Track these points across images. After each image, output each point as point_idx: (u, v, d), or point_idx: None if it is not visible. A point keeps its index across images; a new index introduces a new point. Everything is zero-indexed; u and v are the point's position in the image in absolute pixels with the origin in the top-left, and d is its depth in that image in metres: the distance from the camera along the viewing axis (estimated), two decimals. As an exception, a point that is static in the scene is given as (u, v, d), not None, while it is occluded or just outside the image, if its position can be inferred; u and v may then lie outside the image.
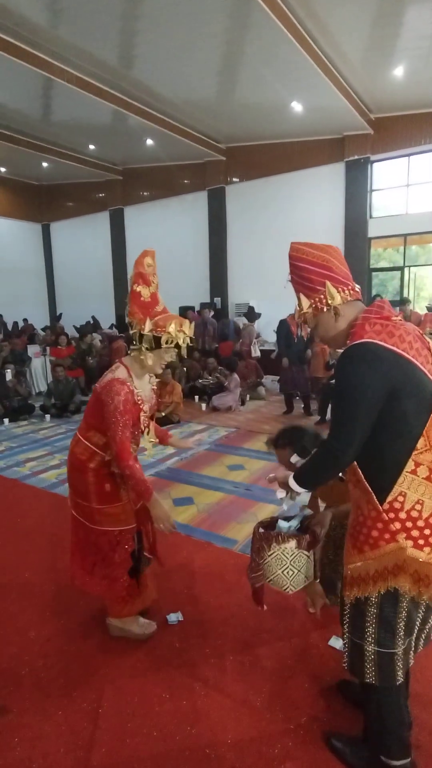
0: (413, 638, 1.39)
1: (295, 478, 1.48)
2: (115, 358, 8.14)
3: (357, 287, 1.45)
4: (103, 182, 14.07)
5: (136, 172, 13.56)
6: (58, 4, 6.34)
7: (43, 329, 11.57)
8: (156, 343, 1.88)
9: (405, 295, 10.52)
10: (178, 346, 1.90)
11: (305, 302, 1.44)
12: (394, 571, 1.31)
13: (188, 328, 1.92)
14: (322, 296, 1.41)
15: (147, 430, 2.02)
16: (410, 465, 1.28)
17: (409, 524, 1.29)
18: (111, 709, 1.77)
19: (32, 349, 9.21)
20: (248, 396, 7.45)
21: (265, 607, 1.93)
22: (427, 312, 7.72)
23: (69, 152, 11.96)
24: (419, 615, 1.38)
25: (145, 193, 13.69)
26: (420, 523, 1.29)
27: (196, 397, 7.37)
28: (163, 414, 5.96)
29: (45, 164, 12.97)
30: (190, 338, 1.95)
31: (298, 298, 1.47)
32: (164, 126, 9.85)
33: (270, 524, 1.92)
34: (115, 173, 13.70)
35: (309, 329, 1.52)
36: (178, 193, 12.95)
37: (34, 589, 2.53)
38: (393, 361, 1.26)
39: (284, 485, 1.55)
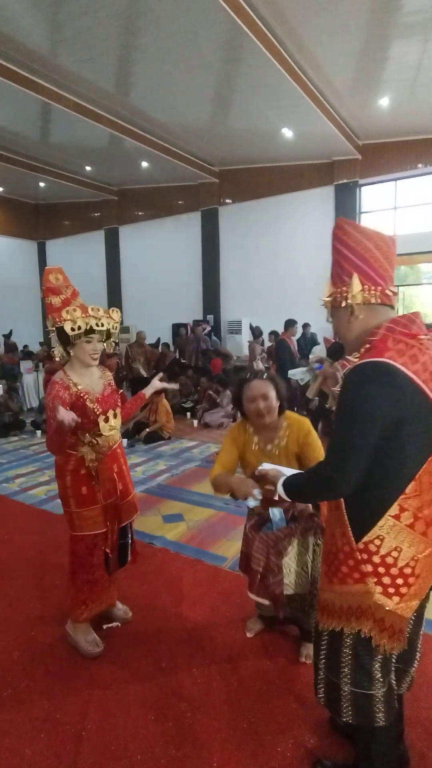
0: (392, 678, 1.31)
1: (284, 484, 1.39)
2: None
3: (392, 290, 1.26)
4: (98, 202, 14.32)
5: (132, 192, 13.84)
6: (58, 34, 6.58)
7: (41, 344, 11.59)
8: (62, 335, 1.93)
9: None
10: (92, 331, 1.92)
11: (327, 290, 1.30)
12: (358, 614, 1.24)
13: (101, 312, 1.93)
14: (345, 288, 1.24)
15: (105, 417, 2.00)
16: (395, 509, 1.18)
17: (381, 570, 1.20)
18: (95, 732, 1.73)
19: (25, 365, 9.21)
20: (239, 412, 7.46)
21: (285, 613, 1.91)
22: None
23: (66, 173, 12.21)
24: (394, 657, 1.32)
25: (139, 213, 13.94)
26: (393, 571, 1.20)
27: (188, 414, 7.39)
28: (148, 429, 5.95)
29: (42, 184, 13.21)
30: (114, 322, 1.99)
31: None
32: (159, 149, 10.11)
33: (258, 524, 1.88)
34: (111, 193, 13.96)
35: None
36: (172, 213, 13.20)
37: (20, 607, 2.49)
38: (408, 391, 1.12)
39: (272, 484, 1.47)
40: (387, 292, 1.25)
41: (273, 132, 9.45)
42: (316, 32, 6.45)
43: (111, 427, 2.03)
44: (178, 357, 10.29)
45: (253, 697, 1.87)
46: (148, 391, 2.35)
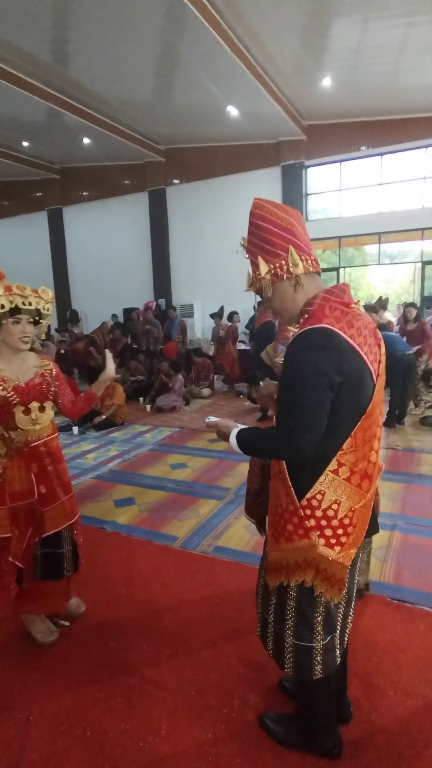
0: (337, 635, 1.40)
1: (237, 437, 1.35)
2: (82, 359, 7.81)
3: (315, 258, 1.33)
4: (39, 180, 13.58)
5: (75, 171, 13.22)
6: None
7: None
8: None
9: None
10: (18, 311, 1.81)
11: (263, 267, 1.30)
12: (303, 566, 1.32)
13: (27, 290, 1.83)
14: (283, 262, 1.28)
15: (25, 409, 1.88)
16: (333, 464, 1.25)
17: (323, 522, 1.28)
18: (43, 715, 1.73)
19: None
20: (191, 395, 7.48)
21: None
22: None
23: (0, 148, 11.44)
24: (339, 611, 1.40)
25: (84, 193, 13.37)
26: (334, 523, 1.28)
27: (141, 399, 7.31)
28: (104, 417, 5.86)
29: (-26, 160, 12.32)
30: (43, 301, 1.88)
31: (254, 262, 1.32)
32: (101, 125, 9.69)
33: None
34: (53, 172, 13.28)
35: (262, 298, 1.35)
36: (118, 193, 12.77)
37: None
38: (348, 353, 1.20)
39: (221, 435, 1.42)
40: (316, 260, 1.33)
41: (218, 110, 9.30)
42: (257, 4, 6.35)
43: (32, 420, 1.90)
44: (129, 342, 10.12)
45: (200, 666, 1.93)
46: (98, 389, 2.14)
